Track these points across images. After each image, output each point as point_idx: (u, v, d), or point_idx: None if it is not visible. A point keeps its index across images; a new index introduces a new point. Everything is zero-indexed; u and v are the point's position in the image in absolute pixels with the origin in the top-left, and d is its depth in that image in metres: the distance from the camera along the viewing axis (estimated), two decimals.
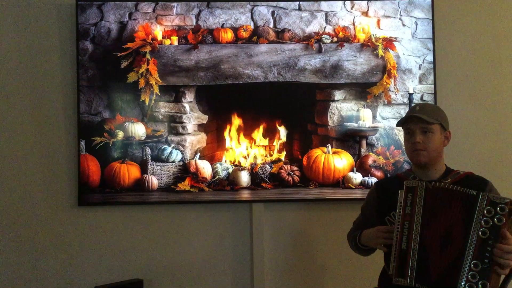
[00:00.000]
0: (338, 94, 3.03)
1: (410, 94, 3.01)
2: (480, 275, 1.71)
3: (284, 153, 3.05)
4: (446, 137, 2.02)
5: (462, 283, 1.72)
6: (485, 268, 1.71)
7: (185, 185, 2.96)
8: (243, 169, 3.00)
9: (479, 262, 1.72)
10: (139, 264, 2.98)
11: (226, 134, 3.06)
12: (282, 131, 3.05)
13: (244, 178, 2.99)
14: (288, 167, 3.01)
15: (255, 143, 3.06)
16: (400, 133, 3.00)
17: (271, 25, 3.02)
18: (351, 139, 3.03)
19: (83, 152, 2.93)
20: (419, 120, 1.95)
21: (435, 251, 1.78)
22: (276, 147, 3.05)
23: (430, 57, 3.01)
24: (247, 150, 3.06)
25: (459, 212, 1.78)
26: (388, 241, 1.89)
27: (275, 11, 3.03)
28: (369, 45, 3.00)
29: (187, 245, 3.01)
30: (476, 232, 1.74)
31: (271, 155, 3.05)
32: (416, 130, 1.96)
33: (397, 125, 2.07)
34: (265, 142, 3.07)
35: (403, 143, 2.97)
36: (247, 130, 3.07)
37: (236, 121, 3.06)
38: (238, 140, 3.07)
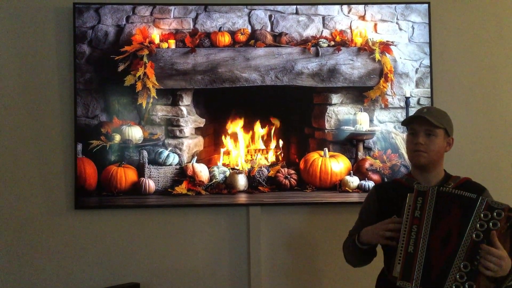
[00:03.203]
0: (335, 98, 3.04)
1: (407, 98, 3.02)
2: (468, 277, 1.73)
3: (272, 148, 3.05)
4: (449, 143, 2.03)
5: (450, 283, 1.74)
6: (473, 270, 1.73)
7: (182, 188, 2.96)
8: (240, 172, 3.00)
9: (468, 264, 1.74)
10: (136, 267, 2.98)
11: (223, 137, 3.07)
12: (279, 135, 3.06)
13: (241, 181, 2.99)
14: (285, 170, 3.01)
15: (252, 146, 3.07)
16: (397, 137, 3.01)
17: (269, 29, 3.03)
18: (348, 143, 3.03)
19: (80, 156, 2.93)
20: (425, 122, 1.96)
21: (436, 255, 1.79)
22: (273, 151, 3.06)
23: (426, 61, 3.02)
24: (244, 153, 3.06)
25: (458, 215, 1.79)
26: (393, 233, 1.87)
27: (273, 15, 3.03)
28: (366, 49, 3.01)
29: (184, 249, 3.01)
30: (470, 235, 1.76)
31: (267, 159, 3.05)
32: (420, 132, 1.97)
33: (403, 124, 2.08)
34: (262, 145, 3.07)
35: (400, 147, 2.99)
36: (244, 133, 3.07)
37: (233, 124, 3.07)
38: (236, 143, 3.07)
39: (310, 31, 3.03)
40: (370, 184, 2.96)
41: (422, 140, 1.96)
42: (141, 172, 2.96)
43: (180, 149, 3.00)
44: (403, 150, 2.96)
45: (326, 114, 3.03)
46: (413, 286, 1.78)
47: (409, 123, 2.03)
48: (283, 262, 3.03)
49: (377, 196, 2.10)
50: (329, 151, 3.02)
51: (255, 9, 3.02)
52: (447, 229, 1.79)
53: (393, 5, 3.03)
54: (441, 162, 2.03)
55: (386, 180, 2.96)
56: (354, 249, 2.06)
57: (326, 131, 3.04)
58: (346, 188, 2.98)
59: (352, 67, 3.01)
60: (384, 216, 1.98)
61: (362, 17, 3.03)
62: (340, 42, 3.01)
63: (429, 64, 3.02)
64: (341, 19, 3.03)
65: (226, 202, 2.96)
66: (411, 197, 1.86)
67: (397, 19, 3.04)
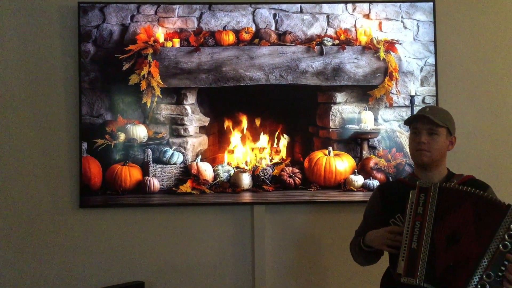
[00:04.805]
0: (339, 97, 3.03)
1: (412, 97, 3.01)
2: (490, 286, 1.70)
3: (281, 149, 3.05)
4: (451, 142, 2.03)
5: None
6: (497, 281, 1.70)
7: (186, 187, 2.96)
8: (245, 171, 3.00)
9: (492, 274, 1.70)
10: (140, 266, 2.99)
11: (227, 136, 3.06)
12: (284, 135, 3.06)
13: (246, 180, 2.99)
14: (289, 169, 3.01)
15: (257, 145, 3.07)
16: (401, 136, 3.00)
17: (273, 28, 3.03)
18: (353, 142, 3.03)
19: (84, 154, 2.93)
20: (427, 121, 1.96)
21: (441, 251, 1.78)
22: (278, 149, 3.06)
23: (431, 60, 3.01)
24: (248, 152, 3.06)
25: (469, 213, 1.78)
26: (395, 242, 1.88)
27: (277, 14, 3.03)
28: (370, 48, 3.00)
29: (189, 247, 3.01)
30: (496, 243, 1.72)
31: (272, 158, 3.05)
32: (422, 130, 1.97)
33: (405, 123, 2.09)
34: (267, 144, 3.07)
35: (404, 146, 2.98)
36: (248, 132, 3.07)
37: (238, 123, 3.07)
38: (240, 142, 3.07)
39: (315, 30, 3.02)
40: (375, 183, 2.95)
41: (425, 139, 1.96)
42: (145, 171, 2.96)
43: (185, 148, 3.01)
44: (407, 148, 2.94)
45: (331, 112, 3.03)
46: (417, 282, 1.77)
47: (411, 122, 2.03)
48: (288, 260, 3.03)
49: (381, 197, 2.11)
50: (333, 150, 3.02)
51: (260, 8, 3.02)
52: (453, 226, 1.78)
53: (398, 4, 3.02)
54: (444, 161, 2.03)
55: (390, 179, 2.96)
56: (360, 251, 2.08)
57: (330, 130, 3.03)
58: (351, 187, 2.98)
59: (357, 65, 3.01)
60: (388, 216, 1.99)
61: (367, 16, 3.02)
62: (345, 41, 3.01)
63: (434, 63, 3.01)
64: (346, 17, 3.02)
65: (230, 201, 2.97)
66: (414, 194, 1.86)
67: (402, 17, 3.03)
